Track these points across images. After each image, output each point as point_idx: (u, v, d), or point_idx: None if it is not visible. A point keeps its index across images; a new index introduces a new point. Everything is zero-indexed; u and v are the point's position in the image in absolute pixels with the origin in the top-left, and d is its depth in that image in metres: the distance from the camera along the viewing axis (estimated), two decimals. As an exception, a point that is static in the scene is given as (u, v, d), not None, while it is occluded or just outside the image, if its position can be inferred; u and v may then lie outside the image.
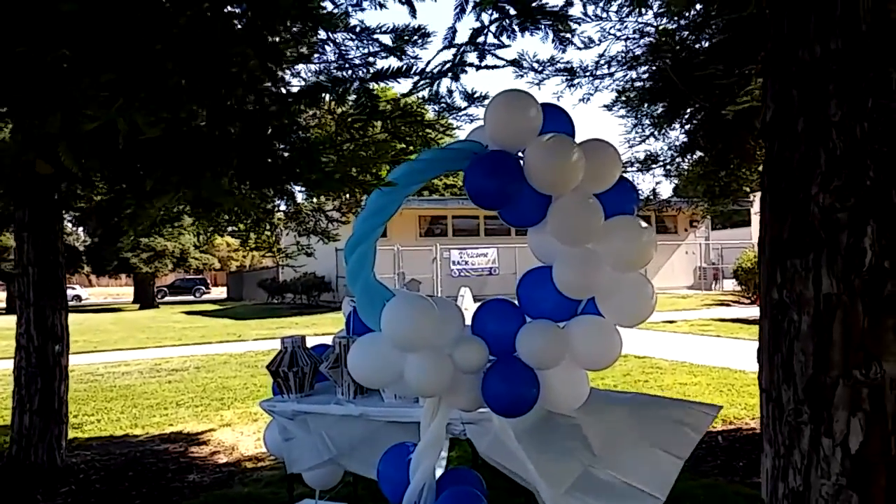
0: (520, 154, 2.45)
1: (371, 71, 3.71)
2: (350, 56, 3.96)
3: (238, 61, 1.85)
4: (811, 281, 1.66)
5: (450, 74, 3.05)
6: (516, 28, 3.00)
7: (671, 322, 15.28)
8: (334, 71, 4.32)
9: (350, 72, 4.03)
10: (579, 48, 4.06)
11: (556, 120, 2.51)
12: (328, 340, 3.65)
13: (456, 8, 3.14)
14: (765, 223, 1.81)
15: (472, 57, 3.16)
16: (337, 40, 5.09)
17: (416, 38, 4.79)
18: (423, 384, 2.48)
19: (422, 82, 3.20)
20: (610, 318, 2.55)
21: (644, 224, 2.55)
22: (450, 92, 5.00)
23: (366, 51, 5.29)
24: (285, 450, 3.48)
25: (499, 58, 3.12)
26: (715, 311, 17.73)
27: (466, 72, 3.16)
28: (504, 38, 2.97)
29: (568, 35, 3.22)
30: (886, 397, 1.58)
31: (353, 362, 2.54)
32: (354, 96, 3.35)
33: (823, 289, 1.64)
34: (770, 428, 1.78)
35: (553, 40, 3.13)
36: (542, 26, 3.01)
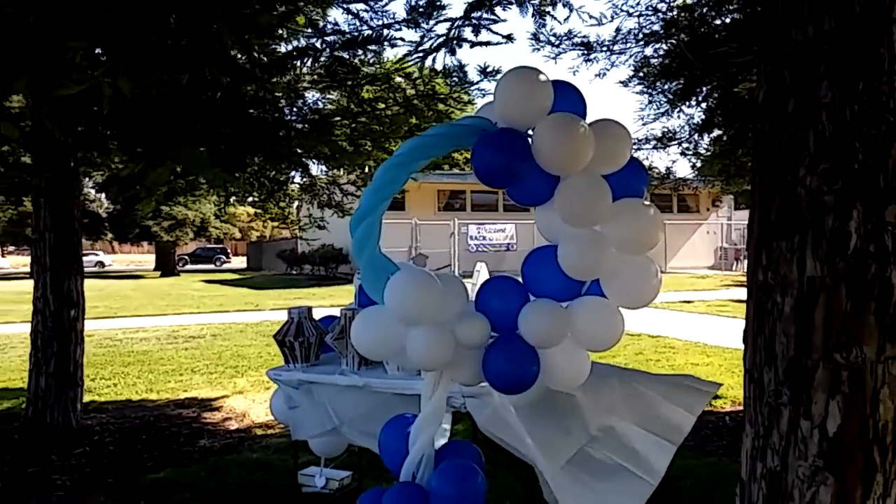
0: (529, 132, 2.44)
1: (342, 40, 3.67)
2: (322, 26, 3.95)
3: (214, 31, 1.86)
4: (795, 263, 1.65)
5: (444, 49, 3.02)
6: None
7: (688, 302, 15.22)
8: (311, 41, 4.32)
9: (321, 41, 4.01)
10: (591, 24, 4.01)
11: (568, 98, 2.48)
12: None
13: None
14: (754, 204, 1.80)
15: (467, 32, 3.13)
16: (353, 10, 5.10)
17: (430, 9, 4.79)
18: (423, 358, 2.51)
19: (414, 56, 3.18)
20: (613, 299, 2.55)
21: (652, 207, 2.52)
22: (461, 66, 5.00)
23: (380, 22, 5.30)
24: (290, 417, 3.55)
25: (494, 32, 3.09)
26: (733, 291, 17.61)
27: (461, 46, 3.13)
28: (499, 11, 2.94)
29: (548, 8, 3.17)
30: (866, 381, 1.59)
31: (355, 334, 2.57)
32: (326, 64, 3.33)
33: (808, 271, 1.63)
34: (751, 408, 1.79)
35: (533, 14, 3.09)
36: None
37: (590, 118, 2.54)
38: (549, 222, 2.63)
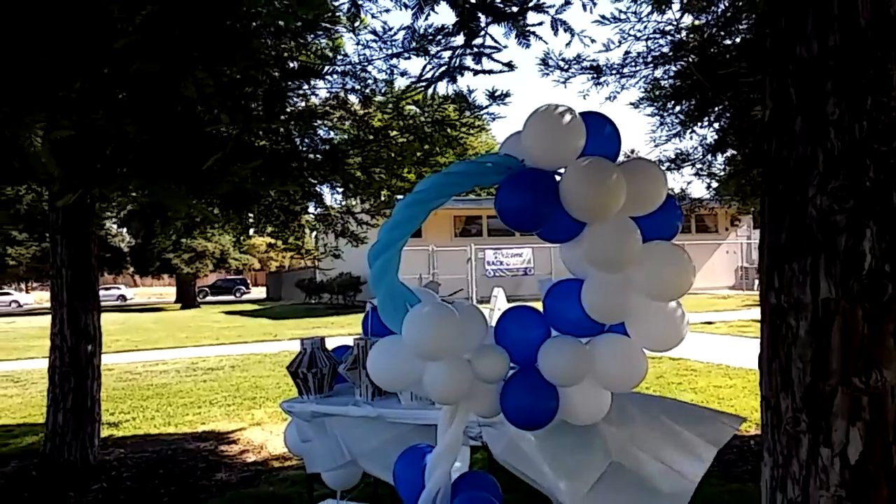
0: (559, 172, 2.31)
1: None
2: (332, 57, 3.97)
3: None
4: (809, 285, 1.60)
5: (446, 78, 3.01)
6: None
7: (709, 323, 15.02)
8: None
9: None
10: (599, 51, 4.01)
11: (601, 133, 2.32)
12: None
13: (414, 7, 3.08)
14: (764, 226, 1.76)
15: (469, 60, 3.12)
16: (362, 41, 5.14)
17: (439, 37, 4.82)
18: (441, 392, 2.45)
19: (418, 85, 3.17)
20: (637, 341, 2.44)
21: (683, 252, 2.37)
22: (469, 92, 5.01)
23: (389, 52, 5.34)
24: (303, 451, 3.51)
25: (496, 60, 3.08)
26: (755, 312, 17.32)
27: (463, 75, 3.12)
28: (499, 38, 2.92)
29: (533, 30, 3.14)
30: (887, 406, 1.53)
31: (372, 365, 2.52)
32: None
33: (822, 293, 1.58)
34: (769, 436, 1.73)
35: (517, 35, 3.06)
36: (505, 23, 2.92)
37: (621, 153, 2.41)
38: (574, 257, 2.50)
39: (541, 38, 3.53)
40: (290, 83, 4.60)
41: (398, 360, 2.45)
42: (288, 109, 6.01)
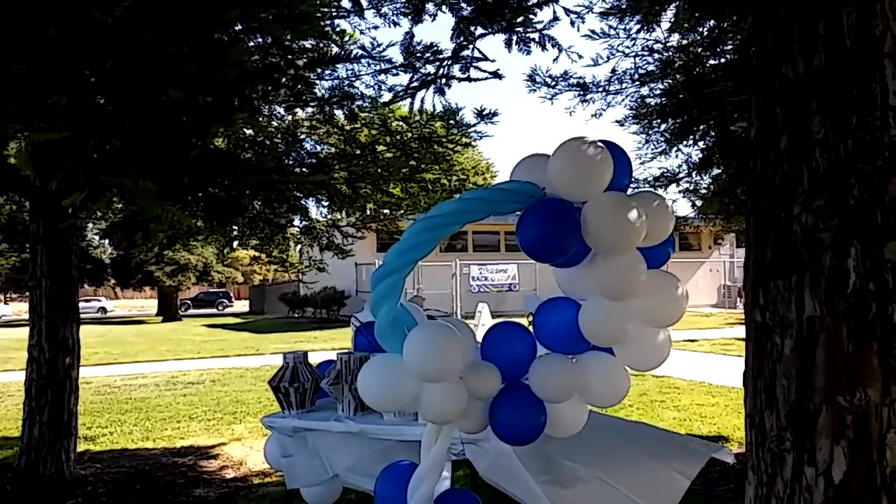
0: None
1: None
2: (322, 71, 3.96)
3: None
4: (794, 303, 1.60)
5: (433, 88, 3.01)
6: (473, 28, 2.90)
7: (692, 341, 15.08)
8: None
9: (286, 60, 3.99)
10: (587, 65, 4.03)
11: (618, 164, 2.34)
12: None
13: (410, 13, 3.08)
14: (749, 244, 1.76)
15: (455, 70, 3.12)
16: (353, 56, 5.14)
17: (426, 53, 4.83)
18: (439, 413, 2.42)
19: (404, 95, 3.17)
20: (623, 360, 2.47)
21: (679, 282, 2.41)
22: (457, 110, 5.01)
23: (378, 67, 5.34)
24: (284, 466, 3.47)
25: (482, 70, 3.08)
26: (738, 330, 17.44)
27: (450, 86, 3.12)
28: (486, 50, 2.92)
29: (533, 36, 3.15)
30: (871, 425, 1.52)
31: (364, 384, 2.47)
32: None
33: (806, 311, 1.58)
34: (753, 455, 1.72)
35: (517, 42, 3.06)
36: (499, 26, 2.92)
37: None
38: (573, 281, 2.50)
39: (540, 45, 3.52)
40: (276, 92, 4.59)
41: (394, 380, 2.41)
42: (274, 123, 6.00)
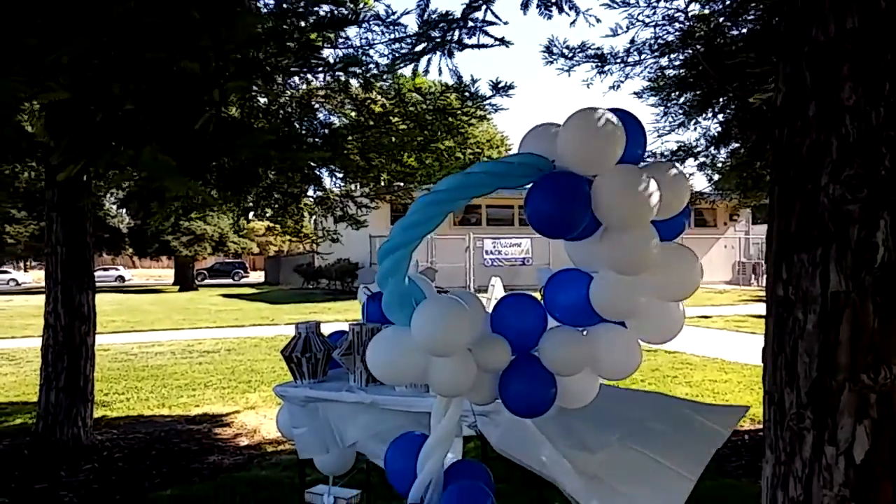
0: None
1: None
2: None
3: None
4: (818, 277, 1.55)
5: (441, 51, 2.92)
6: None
7: (706, 317, 15.00)
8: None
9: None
10: (606, 35, 3.91)
11: (632, 134, 2.25)
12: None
13: None
14: (772, 215, 1.70)
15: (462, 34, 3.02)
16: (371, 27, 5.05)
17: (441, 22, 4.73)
18: (448, 386, 2.41)
19: (406, 57, 3.09)
20: (634, 333, 2.43)
21: (694, 255, 2.34)
22: (473, 81, 4.93)
23: (392, 35, 5.25)
24: (295, 436, 3.47)
25: (490, 35, 2.99)
26: (752, 307, 17.34)
27: (461, 49, 3.03)
28: (500, 12, 2.83)
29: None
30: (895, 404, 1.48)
31: (372, 357, 2.45)
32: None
33: (831, 286, 1.53)
34: (771, 433, 1.68)
35: (538, 5, 2.96)
36: None
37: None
38: (585, 253, 2.45)
39: (558, 7, 3.39)
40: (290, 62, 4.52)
41: (402, 354, 2.39)
42: (287, 92, 5.94)
